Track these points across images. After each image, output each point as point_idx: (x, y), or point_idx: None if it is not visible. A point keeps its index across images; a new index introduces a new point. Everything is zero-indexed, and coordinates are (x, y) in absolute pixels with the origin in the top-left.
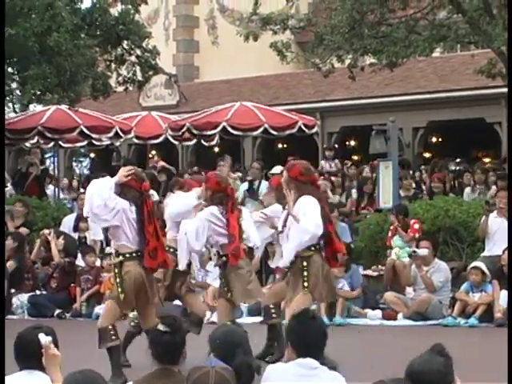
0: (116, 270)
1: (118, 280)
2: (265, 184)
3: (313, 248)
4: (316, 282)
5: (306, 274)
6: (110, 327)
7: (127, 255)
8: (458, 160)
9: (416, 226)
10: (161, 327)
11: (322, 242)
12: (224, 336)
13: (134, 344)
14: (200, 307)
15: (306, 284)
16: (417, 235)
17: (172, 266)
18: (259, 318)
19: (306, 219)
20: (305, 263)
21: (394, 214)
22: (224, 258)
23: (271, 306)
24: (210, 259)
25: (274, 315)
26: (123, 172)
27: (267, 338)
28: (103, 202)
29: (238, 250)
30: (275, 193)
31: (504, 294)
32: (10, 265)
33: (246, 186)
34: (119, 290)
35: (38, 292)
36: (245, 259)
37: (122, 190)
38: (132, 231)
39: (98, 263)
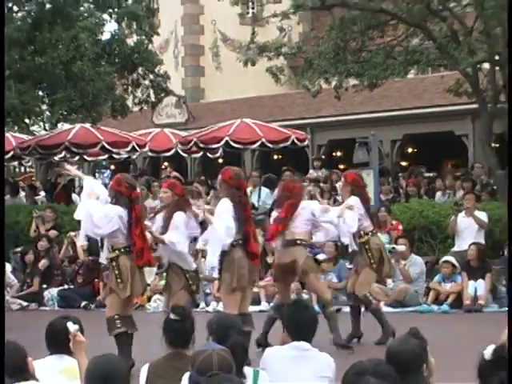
0: (113, 264)
1: (116, 272)
2: (265, 190)
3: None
4: (231, 274)
5: (221, 267)
6: (116, 316)
7: (122, 250)
8: (424, 167)
9: (400, 227)
10: (172, 316)
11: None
12: (219, 321)
13: (150, 332)
14: None
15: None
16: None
17: None
18: (259, 307)
19: (218, 221)
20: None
21: (386, 212)
22: None
23: (367, 295)
24: None
25: (372, 301)
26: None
27: (379, 322)
28: (103, 214)
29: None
30: (350, 187)
31: (472, 283)
32: (44, 263)
33: (248, 190)
34: (118, 280)
35: (66, 286)
36: None
37: (114, 196)
38: (125, 231)
39: None
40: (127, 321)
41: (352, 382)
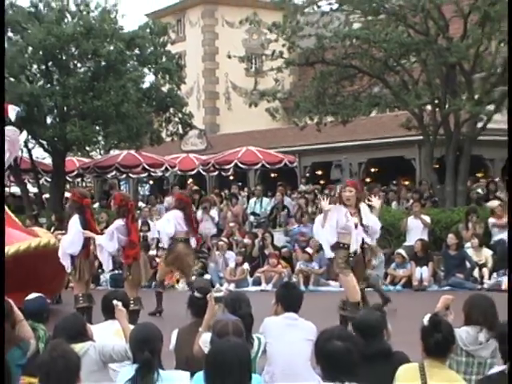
0: None
1: None
2: (265, 199)
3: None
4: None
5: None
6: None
7: None
8: (379, 185)
9: None
10: (196, 294)
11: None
12: (232, 296)
13: (179, 306)
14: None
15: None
16: None
17: None
18: (260, 287)
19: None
20: None
21: None
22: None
23: None
24: None
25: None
26: None
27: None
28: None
29: (137, 254)
30: (177, 203)
31: (418, 269)
32: None
33: (253, 200)
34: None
35: (116, 271)
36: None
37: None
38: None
39: (153, 253)
40: None
41: (322, 345)
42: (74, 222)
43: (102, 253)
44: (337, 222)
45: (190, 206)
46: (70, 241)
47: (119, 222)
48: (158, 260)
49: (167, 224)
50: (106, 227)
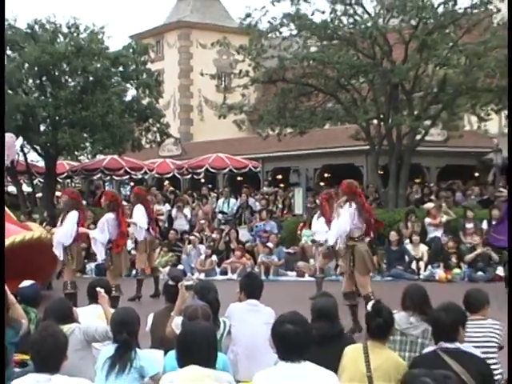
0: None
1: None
2: (232, 200)
3: None
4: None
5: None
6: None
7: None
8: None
9: None
10: (170, 282)
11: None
12: (202, 284)
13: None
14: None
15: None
16: None
17: None
18: (227, 276)
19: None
20: None
21: (310, 215)
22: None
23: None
24: None
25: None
26: None
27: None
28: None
29: (124, 244)
30: (136, 198)
31: None
32: (84, 246)
33: (221, 200)
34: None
35: (100, 261)
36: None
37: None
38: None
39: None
40: None
41: (276, 329)
42: (73, 216)
43: (95, 245)
44: None
45: (146, 199)
46: (64, 233)
47: (110, 216)
48: (133, 252)
49: (144, 219)
50: (94, 223)
